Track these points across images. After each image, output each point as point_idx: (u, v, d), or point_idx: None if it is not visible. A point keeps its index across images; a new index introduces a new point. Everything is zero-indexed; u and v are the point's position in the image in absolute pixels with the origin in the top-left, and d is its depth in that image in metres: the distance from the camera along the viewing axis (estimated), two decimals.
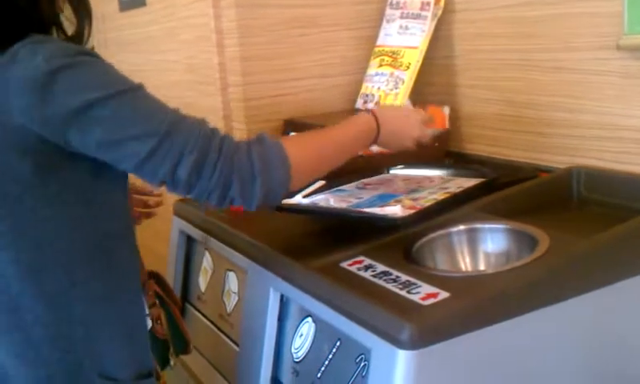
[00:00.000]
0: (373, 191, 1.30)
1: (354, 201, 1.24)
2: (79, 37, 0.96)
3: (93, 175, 0.91)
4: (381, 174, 1.46)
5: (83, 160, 0.89)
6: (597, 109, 1.34)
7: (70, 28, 0.96)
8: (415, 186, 1.32)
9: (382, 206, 1.18)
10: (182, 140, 0.88)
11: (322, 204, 1.24)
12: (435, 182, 1.35)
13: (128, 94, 0.88)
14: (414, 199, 1.21)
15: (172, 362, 1.15)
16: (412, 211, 1.13)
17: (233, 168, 0.91)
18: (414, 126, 1.20)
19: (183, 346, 1.19)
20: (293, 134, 1.00)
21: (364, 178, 1.42)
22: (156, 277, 1.16)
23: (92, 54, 0.89)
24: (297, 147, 0.98)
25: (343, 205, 1.22)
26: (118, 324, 0.96)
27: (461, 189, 1.25)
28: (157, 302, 1.12)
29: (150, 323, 1.06)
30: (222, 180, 0.90)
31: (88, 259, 0.93)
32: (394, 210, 1.14)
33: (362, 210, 1.17)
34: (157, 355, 1.11)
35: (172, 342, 1.14)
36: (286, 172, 0.95)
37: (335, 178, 1.41)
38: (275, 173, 0.94)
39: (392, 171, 1.47)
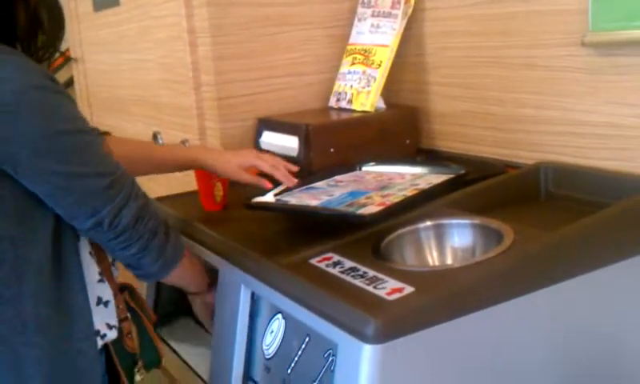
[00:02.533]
0: (344, 188, 1.31)
1: (326, 198, 1.25)
2: (50, 48, 0.96)
3: (26, 196, 0.92)
4: (353, 171, 1.47)
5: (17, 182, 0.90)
6: (562, 105, 1.36)
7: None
8: (386, 182, 1.34)
9: (352, 204, 1.19)
10: (128, 186, 0.97)
11: (294, 202, 1.25)
12: (406, 178, 1.36)
13: (88, 134, 0.94)
14: (384, 196, 1.22)
15: (138, 378, 1.14)
16: (381, 208, 1.14)
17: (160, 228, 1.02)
18: None
19: (155, 361, 1.19)
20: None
21: (336, 174, 1.43)
22: (129, 289, 1.16)
23: (53, 87, 0.90)
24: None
25: (315, 202, 1.23)
26: (47, 350, 0.96)
27: (430, 185, 1.26)
28: (129, 315, 1.12)
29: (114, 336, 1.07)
30: (152, 231, 1.00)
31: (17, 280, 0.93)
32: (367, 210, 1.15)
33: (332, 207, 1.18)
34: (125, 369, 1.11)
35: (143, 357, 1.14)
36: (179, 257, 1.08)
37: (307, 176, 1.42)
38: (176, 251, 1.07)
39: (364, 168, 1.49)
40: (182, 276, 1.13)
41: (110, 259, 1.08)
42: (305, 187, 1.34)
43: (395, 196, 1.21)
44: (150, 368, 1.16)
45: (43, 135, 0.87)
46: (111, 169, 0.95)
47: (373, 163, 1.49)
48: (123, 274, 1.11)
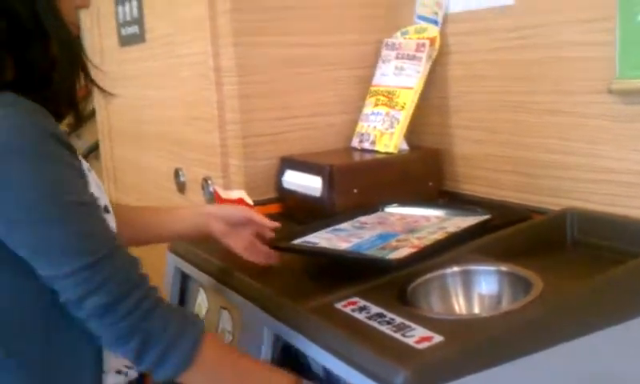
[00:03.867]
0: (372, 231, 1.31)
1: (355, 240, 1.24)
2: (66, 85, 0.94)
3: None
4: (375, 212, 1.47)
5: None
6: (589, 151, 1.35)
7: None
8: (413, 225, 1.33)
9: (384, 247, 1.18)
10: (108, 273, 0.86)
11: (323, 244, 1.24)
12: (432, 221, 1.36)
13: (78, 208, 0.87)
14: (419, 238, 1.22)
15: None
16: (412, 251, 1.14)
17: (142, 324, 0.87)
18: None
19: None
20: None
21: (358, 216, 1.43)
22: None
23: (52, 152, 0.86)
24: (214, 351, 0.94)
25: (345, 245, 1.22)
26: None
27: (459, 229, 1.26)
28: None
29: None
30: (126, 330, 0.87)
31: (22, 334, 0.91)
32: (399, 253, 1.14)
33: (363, 252, 1.18)
34: None
35: None
36: (190, 357, 0.89)
37: (330, 216, 1.42)
38: (181, 348, 0.89)
39: (386, 209, 1.48)
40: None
41: None
42: (331, 229, 1.33)
43: (427, 239, 1.21)
44: None
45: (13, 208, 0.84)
46: (93, 246, 0.87)
47: (395, 205, 1.49)
48: None
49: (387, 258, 1.13)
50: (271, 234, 1.25)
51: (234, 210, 1.25)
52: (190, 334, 0.90)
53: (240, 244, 1.23)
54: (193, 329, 0.91)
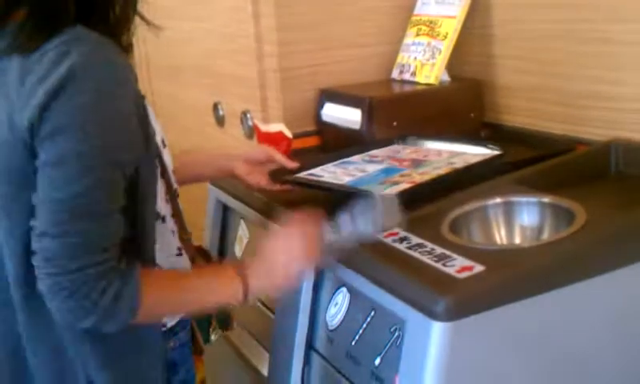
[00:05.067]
0: (378, 165, 1.31)
1: (359, 175, 1.25)
2: (121, 24, 0.91)
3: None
4: (390, 145, 1.45)
5: None
6: (637, 81, 1.31)
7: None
8: (422, 159, 1.32)
9: (384, 182, 1.18)
10: (81, 253, 0.81)
11: (326, 177, 1.25)
12: (443, 156, 1.34)
13: (103, 171, 0.82)
14: (422, 174, 1.21)
15: (213, 338, 1.16)
16: (407, 186, 1.13)
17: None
18: (298, 259, 0.99)
19: (227, 321, 1.21)
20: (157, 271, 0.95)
21: (372, 148, 1.42)
22: (203, 252, 1.17)
23: (113, 96, 0.83)
24: (154, 298, 0.89)
25: (347, 179, 1.22)
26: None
27: (466, 164, 1.24)
28: None
29: None
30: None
31: None
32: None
33: (358, 186, 1.17)
34: (201, 330, 1.14)
35: (216, 318, 1.16)
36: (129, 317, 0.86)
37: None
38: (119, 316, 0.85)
39: (402, 143, 1.46)
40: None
41: (187, 235, 1.08)
42: (340, 162, 1.34)
43: (429, 175, 1.20)
44: (223, 327, 1.19)
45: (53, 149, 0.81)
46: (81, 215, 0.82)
47: (414, 137, 1.47)
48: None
49: (376, 193, 1.11)
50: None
51: (254, 150, 1.28)
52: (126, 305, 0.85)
53: (263, 181, 1.26)
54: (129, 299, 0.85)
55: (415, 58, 1.66)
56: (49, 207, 0.81)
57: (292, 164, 1.27)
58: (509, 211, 1.13)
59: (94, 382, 0.92)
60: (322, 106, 1.65)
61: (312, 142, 1.67)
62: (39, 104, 0.80)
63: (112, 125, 0.83)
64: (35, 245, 0.82)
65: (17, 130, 0.82)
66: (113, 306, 0.83)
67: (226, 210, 1.53)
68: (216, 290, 0.96)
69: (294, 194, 1.27)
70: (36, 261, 0.82)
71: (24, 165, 0.83)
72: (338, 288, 1.08)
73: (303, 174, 1.28)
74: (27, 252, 0.84)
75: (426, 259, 0.95)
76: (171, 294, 0.93)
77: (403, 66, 1.69)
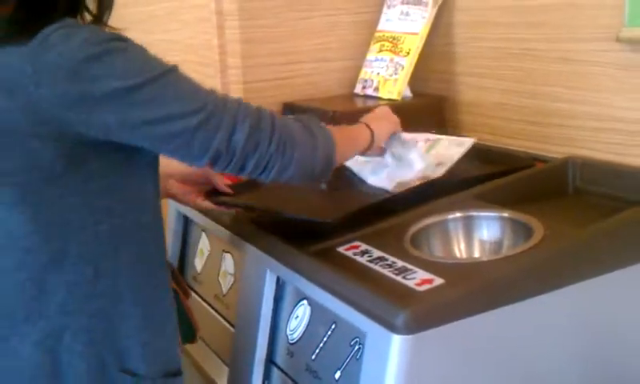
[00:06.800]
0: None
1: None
2: (98, 21, 0.94)
3: (121, 166, 0.90)
4: None
5: (110, 151, 0.87)
6: (595, 100, 1.34)
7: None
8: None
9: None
10: (233, 110, 0.88)
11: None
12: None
13: (166, 77, 0.86)
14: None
15: None
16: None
17: (289, 135, 0.94)
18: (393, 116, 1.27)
19: (190, 336, 1.19)
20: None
21: None
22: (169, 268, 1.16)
23: (124, 39, 0.87)
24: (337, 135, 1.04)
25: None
26: (142, 319, 0.94)
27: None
28: None
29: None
30: (281, 147, 0.92)
31: (114, 251, 0.91)
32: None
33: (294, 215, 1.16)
34: None
35: (179, 331, 1.14)
36: (333, 154, 1.01)
37: None
38: (327, 149, 1.00)
39: None
40: (346, 150, 1.10)
41: None
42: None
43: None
44: (185, 342, 1.17)
45: (115, 94, 0.83)
46: (198, 103, 0.87)
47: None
48: None
49: (319, 219, 1.11)
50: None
51: (193, 170, 1.23)
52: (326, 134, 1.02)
53: (199, 200, 1.23)
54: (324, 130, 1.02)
55: (378, 74, 1.67)
56: (179, 125, 0.86)
57: (227, 190, 1.24)
58: (469, 225, 1.14)
59: None
60: None
61: None
62: (83, 78, 0.81)
63: (147, 53, 0.88)
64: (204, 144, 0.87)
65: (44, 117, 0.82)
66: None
67: (187, 222, 1.51)
68: (359, 138, 1.15)
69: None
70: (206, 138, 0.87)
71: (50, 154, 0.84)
72: (299, 301, 1.07)
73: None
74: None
75: (386, 272, 0.95)
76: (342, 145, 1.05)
77: (366, 81, 1.70)
